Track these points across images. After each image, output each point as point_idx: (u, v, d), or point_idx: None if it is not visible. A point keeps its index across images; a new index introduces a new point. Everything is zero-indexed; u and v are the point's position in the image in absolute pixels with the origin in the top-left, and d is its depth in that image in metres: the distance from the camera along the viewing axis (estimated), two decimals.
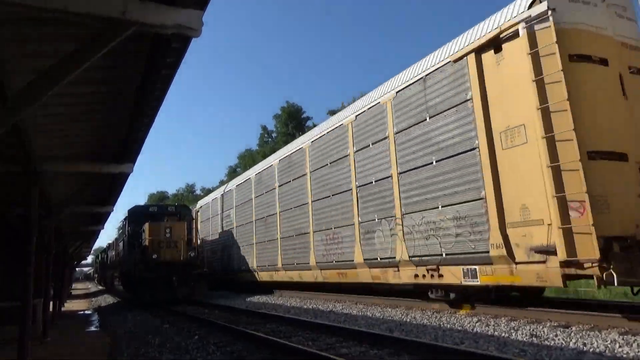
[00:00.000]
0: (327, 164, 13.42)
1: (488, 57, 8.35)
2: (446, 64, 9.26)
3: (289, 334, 8.37)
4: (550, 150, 7.05)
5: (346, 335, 7.65)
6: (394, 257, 10.39)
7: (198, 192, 75.91)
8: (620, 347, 5.75)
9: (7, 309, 10.34)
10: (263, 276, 18.00)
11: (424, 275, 9.56)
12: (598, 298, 10.77)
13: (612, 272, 6.28)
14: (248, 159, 51.63)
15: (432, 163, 9.45)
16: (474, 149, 8.51)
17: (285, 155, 16.49)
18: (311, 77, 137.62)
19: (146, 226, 17.34)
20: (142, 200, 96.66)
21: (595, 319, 7.36)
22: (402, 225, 10.20)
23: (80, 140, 7.15)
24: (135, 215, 19.98)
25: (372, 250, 11.19)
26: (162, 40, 4.06)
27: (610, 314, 7.51)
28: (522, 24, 7.60)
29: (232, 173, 55.33)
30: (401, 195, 10.31)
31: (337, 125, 13.19)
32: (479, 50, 8.47)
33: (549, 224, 7.03)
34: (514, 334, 6.98)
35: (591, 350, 5.72)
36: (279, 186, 16.60)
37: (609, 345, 5.81)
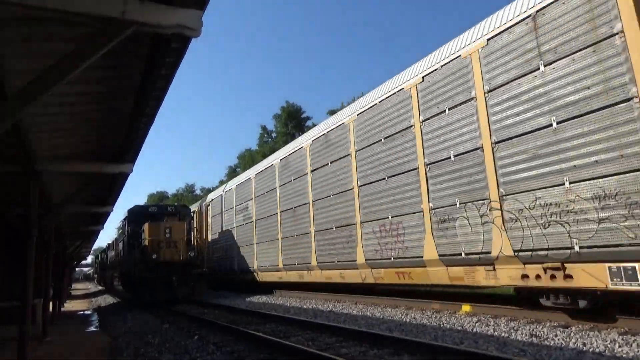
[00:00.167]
0: (380, 140, 11.20)
1: None
2: None
3: (289, 334, 8.37)
4: None
5: (346, 335, 7.65)
6: (488, 252, 8.20)
7: (198, 192, 75.95)
8: (619, 347, 5.75)
9: (7, 309, 10.35)
10: (290, 276, 15.69)
11: (538, 276, 7.35)
12: None
13: None
14: (248, 159, 51.62)
15: (551, 125, 7.26)
16: (629, 99, 6.27)
17: (319, 135, 14.07)
18: (311, 77, 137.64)
19: (146, 226, 17.33)
20: (141, 200, 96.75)
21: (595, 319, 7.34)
22: (502, 209, 8.00)
23: (80, 140, 7.16)
24: (135, 215, 19.97)
25: (452, 243, 9.02)
26: (161, 40, 4.06)
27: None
28: None
29: (232, 173, 55.32)
30: (499, 172, 8.09)
31: (395, 90, 10.85)
32: None
33: None
34: (513, 334, 6.98)
35: (591, 350, 5.72)
36: (312, 171, 14.27)
37: (609, 345, 5.82)
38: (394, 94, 10.91)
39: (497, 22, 8.46)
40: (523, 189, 7.70)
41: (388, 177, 10.97)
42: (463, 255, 8.78)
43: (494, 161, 8.21)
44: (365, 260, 11.51)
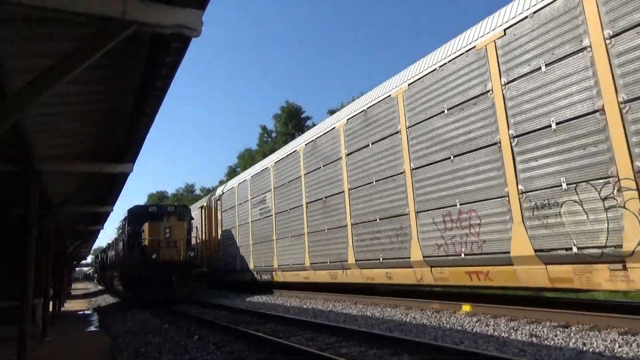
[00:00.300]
0: (443, 112, 9.43)
1: None
2: None
3: (289, 334, 8.36)
4: None
5: (346, 335, 7.65)
6: (617, 246, 6.44)
7: (197, 192, 75.94)
8: (619, 347, 5.75)
9: (7, 309, 10.35)
10: (320, 276, 13.80)
11: None
12: (597, 298, 10.77)
13: None
14: (248, 159, 51.64)
15: None
16: None
17: (356, 112, 12.26)
18: (311, 77, 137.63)
19: (146, 226, 17.34)
20: (141, 200, 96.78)
21: (595, 318, 7.35)
22: (639, 189, 6.22)
23: (80, 139, 7.16)
24: (135, 215, 19.97)
25: (555, 235, 7.25)
26: (161, 40, 4.06)
27: (610, 314, 7.50)
28: None
29: (232, 173, 55.33)
30: (632, 140, 6.28)
31: (462, 51, 9.14)
32: None
33: None
34: (513, 334, 6.98)
35: (591, 350, 5.72)
36: (348, 155, 12.48)
37: (609, 345, 5.82)
38: (460, 55, 9.19)
39: None
40: None
41: (454, 156, 9.10)
42: (575, 250, 6.94)
43: (624, 126, 6.37)
44: (423, 257, 9.70)
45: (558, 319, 7.73)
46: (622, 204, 6.42)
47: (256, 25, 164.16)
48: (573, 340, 6.23)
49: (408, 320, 9.13)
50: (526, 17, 7.93)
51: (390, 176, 10.96)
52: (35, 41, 4.06)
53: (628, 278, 6.39)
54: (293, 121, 49.85)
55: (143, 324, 11.78)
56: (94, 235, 21.80)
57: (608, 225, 6.62)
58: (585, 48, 6.99)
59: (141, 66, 4.74)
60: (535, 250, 7.53)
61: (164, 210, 19.91)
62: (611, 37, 6.63)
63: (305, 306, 12.93)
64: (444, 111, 9.49)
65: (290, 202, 15.69)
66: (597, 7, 6.78)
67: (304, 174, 14.81)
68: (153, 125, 6.32)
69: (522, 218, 7.79)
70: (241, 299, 16.85)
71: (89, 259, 71.31)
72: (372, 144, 11.62)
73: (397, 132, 10.82)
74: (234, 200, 21.20)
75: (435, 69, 9.79)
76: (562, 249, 7.18)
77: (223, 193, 22.89)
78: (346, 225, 12.46)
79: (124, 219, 22.17)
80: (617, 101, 6.51)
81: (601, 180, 6.70)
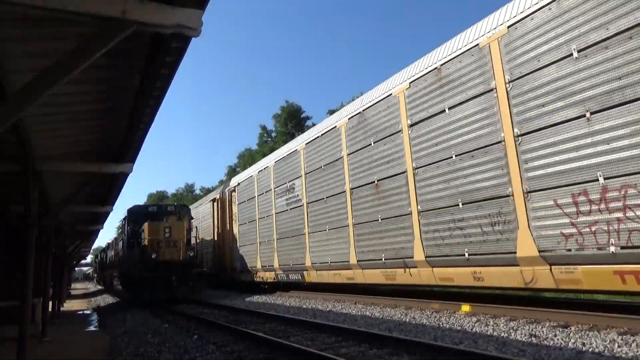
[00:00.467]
0: (572, 54, 7.03)
1: None
2: None
3: (289, 334, 8.37)
4: None
5: (345, 335, 7.65)
6: None
7: (197, 192, 75.95)
8: (619, 347, 5.75)
9: (7, 309, 10.35)
10: (370, 276, 11.59)
11: None
12: (597, 298, 10.78)
13: None
14: (248, 158, 51.68)
15: None
16: None
17: (424, 73, 9.94)
18: (311, 77, 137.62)
19: (145, 226, 17.34)
20: (141, 200, 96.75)
21: (594, 318, 7.36)
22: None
23: (79, 139, 7.16)
24: (135, 215, 19.98)
25: None
26: (161, 40, 4.07)
27: (609, 314, 7.51)
28: None
29: (232, 172, 55.34)
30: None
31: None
32: None
33: None
34: (513, 334, 6.98)
35: (590, 350, 5.72)
36: (411, 126, 10.18)
37: (608, 345, 5.82)
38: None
39: None
40: None
41: (592, 113, 6.74)
42: None
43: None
44: (539, 252, 7.48)
45: (557, 319, 7.73)
46: None
47: (256, 25, 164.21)
48: (572, 340, 6.23)
49: (407, 320, 9.13)
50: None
51: (477, 149, 8.61)
52: (35, 41, 4.06)
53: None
54: (293, 121, 49.87)
55: (142, 324, 11.78)
56: (94, 235, 21.80)
57: None
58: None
59: (141, 66, 4.75)
60: None
61: (163, 210, 19.91)
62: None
63: (305, 306, 12.93)
64: (572, 53, 7.10)
65: (328, 188, 13.38)
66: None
67: (347, 154, 12.49)
68: (153, 125, 6.33)
69: None
70: (241, 299, 16.84)
71: (89, 258, 71.38)
72: (448, 109, 9.29)
73: (490, 91, 8.38)
74: (252, 191, 18.96)
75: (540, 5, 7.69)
76: None
77: (239, 183, 20.55)
78: (410, 214, 10.10)
79: (124, 219, 22.18)
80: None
81: None
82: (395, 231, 10.65)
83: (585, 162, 6.91)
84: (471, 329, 7.64)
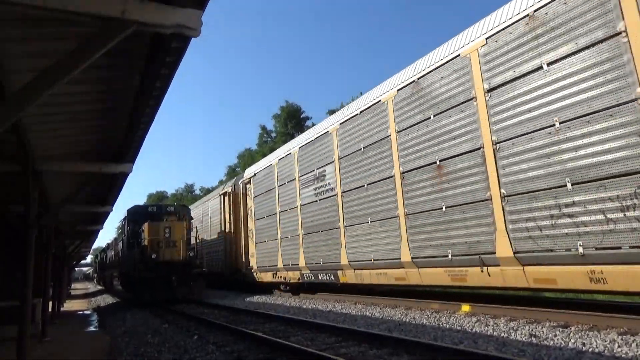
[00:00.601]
0: None
1: None
2: None
3: (288, 334, 8.37)
4: None
5: (345, 335, 7.65)
6: None
7: (197, 192, 75.96)
8: (619, 347, 5.75)
9: (7, 309, 10.35)
10: (430, 276, 9.74)
11: None
12: (597, 298, 10.79)
13: None
14: (247, 159, 51.71)
15: None
16: None
17: (516, 18, 8.00)
18: (311, 77, 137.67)
19: (145, 226, 17.34)
20: (141, 200, 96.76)
21: (594, 318, 7.36)
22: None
23: (79, 139, 7.16)
24: (135, 215, 20.00)
25: None
26: (161, 40, 4.07)
27: (609, 314, 7.52)
28: None
29: (232, 173, 55.35)
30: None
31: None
32: None
33: None
34: (513, 334, 6.98)
35: (590, 350, 5.72)
36: (490, 90, 8.42)
37: (608, 345, 5.82)
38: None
39: None
40: None
41: None
42: None
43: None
44: None
45: (557, 319, 7.73)
46: None
47: (256, 25, 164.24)
48: (572, 340, 6.23)
49: (407, 320, 9.13)
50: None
51: (602, 110, 6.67)
52: (35, 41, 4.06)
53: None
54: (293, 121, 49.90)
55: (142, 324, 11.78)
56: (94, 235, 21.79)
57: None
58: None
59: (141, 66, 4.75)
60: None
61: (163, 210, 19.92)
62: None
63: (305, 306, 12.93)
64: None
65: (369, 174, 11.57)
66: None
67: (396, 132, 10.62)
68: (153, 125, 6.33)
69: None
70: (241, 299, 16.84)
71: (89, 258, 71.38)
72: (548, 64, 7.42)
73: (618, 34, 6.49)
74: (271, 181, 17.04)
75: None
76: None
77: (255, 174, 18.64)
78: (489, 199, 8.36)
79: (124, 219, 22.19)
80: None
81: None
82: (467, 222, 8.81)
83: None
84: (471, 329, 7.64)
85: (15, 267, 10.64)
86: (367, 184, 11.64)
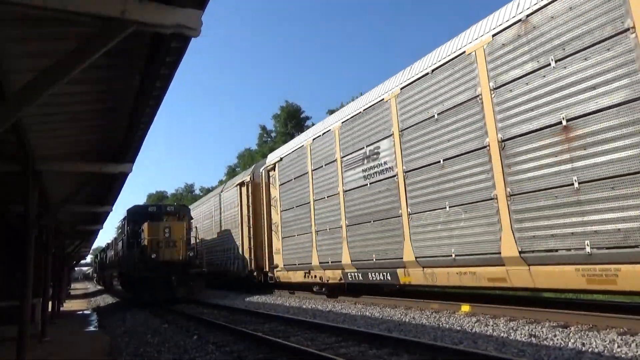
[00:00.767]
0: None
1: None
2: None
3: (288, 334, 8.37)
4: None
5: (345, 335, 7.65)
6: None
7: (197, 192, 75.97)
8: (619, 347, 5.75)
9: (6, 309, 10.35)
10: (544, 277, 7.35)
11: None
12: (597, 298, 10.79)
13: None
14: (247, 159, 51.72)
15: None
16: None
17: None
18: (311, 77, 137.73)
19: (145, 226, 17.35)
20: (141, 200, 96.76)
21: (594, 319, 7.36)
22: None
23: (79, 139, 7.16)
24: (135, 215, 20.01)
25: None
26: (161, 40, 4.06)
27: (609, 314, 7.52)
28: None
29: (232, 173, 55.32)
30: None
31: None
32: None
33: None
34: (512, 334, 6.98)
35: (590, 350, 5.73)
36: None
37: (608, 345, 5.82)
38: None
39: None
40: None
41: None
42: None
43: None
44: None
45: (557, 319, 7.73)
46: None
47: (256, 25, 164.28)
48: (572, 341, 6.23)
49: (407, 320, 9.13)
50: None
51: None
52: (35, 41, 4.06)
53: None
54: (293, 121, 49.90)
55: (142, 324, 11.78)
56: (94, 235, 21.79)
57: None
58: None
59: (141, 66, 4.75)
60: None
61: (163, 210, 19.93)
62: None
63: (304, 306, 12.93)
64: None
65: (447, 146, 9.22)
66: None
67: (492, 89, 8.24)
68: (152, 125, 6.33)
69: None
70: (241, 299, 16.85)
71: (89, 258, 71.35)
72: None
73: None
74: (303, 165, 14.72)
75: None
76: None
77: (281, 159, 16.31)
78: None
79: (124, 219, 22.18)
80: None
81: None
82: (620, 201, 6.24)
83: None
84: (471, 329, 7.64)
85: (15, 267, 10.63)
86: (444, 160, 9.30)
